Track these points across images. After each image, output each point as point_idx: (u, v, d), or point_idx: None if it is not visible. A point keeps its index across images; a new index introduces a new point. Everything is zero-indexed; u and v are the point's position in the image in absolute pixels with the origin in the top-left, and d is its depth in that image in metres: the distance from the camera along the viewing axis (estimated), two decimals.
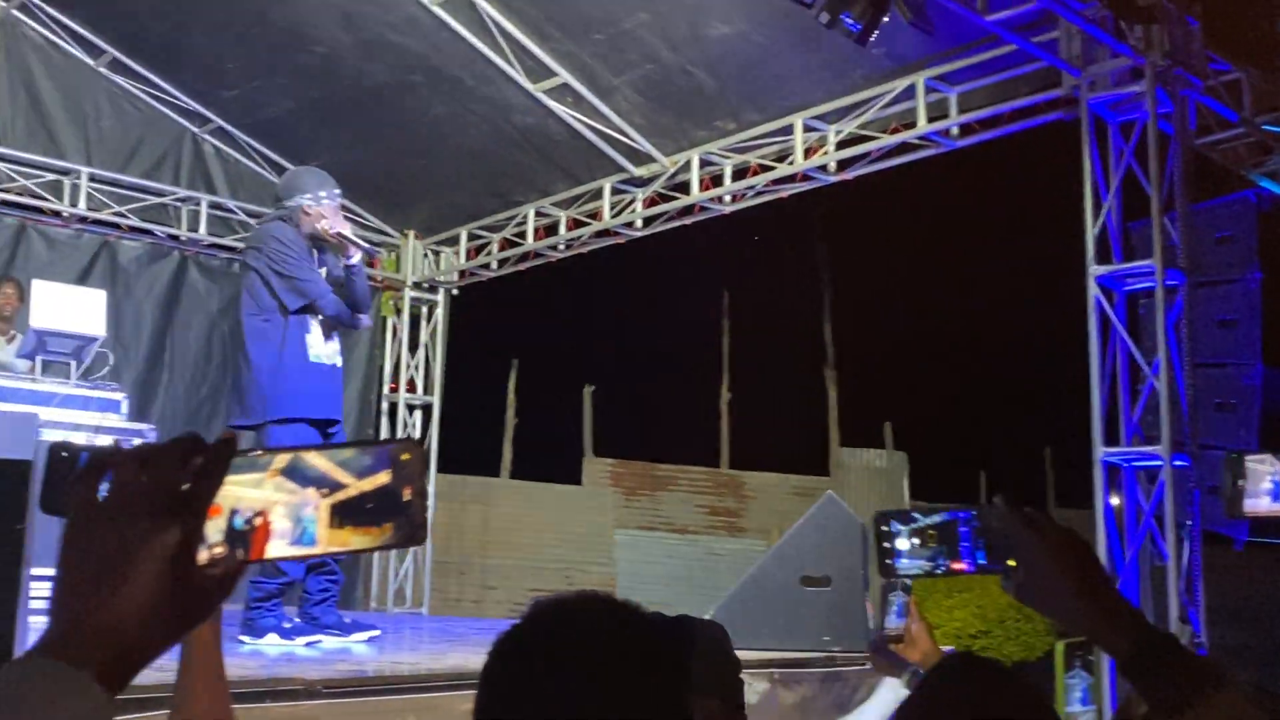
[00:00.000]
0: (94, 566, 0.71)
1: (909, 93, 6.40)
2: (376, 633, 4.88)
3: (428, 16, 6.70)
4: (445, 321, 9.57)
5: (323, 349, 4.77)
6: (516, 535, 11.06)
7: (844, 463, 12.51)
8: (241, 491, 0.76)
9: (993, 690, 1.40)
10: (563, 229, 8.31)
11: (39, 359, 6.03)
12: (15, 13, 7.40)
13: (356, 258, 4.88)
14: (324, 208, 4.84)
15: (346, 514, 0.77)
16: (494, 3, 6.59)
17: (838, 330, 14.05)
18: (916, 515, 1.22)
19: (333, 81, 7.45)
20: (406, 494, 0.78)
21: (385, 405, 9.25)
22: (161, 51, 7.73)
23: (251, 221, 7.75)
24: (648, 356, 15.04)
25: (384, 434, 9.15)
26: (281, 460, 0.77)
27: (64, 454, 1.03)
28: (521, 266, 8.86)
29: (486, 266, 9.04)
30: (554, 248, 8.47)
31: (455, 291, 9.58)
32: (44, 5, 7.49)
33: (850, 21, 4.94)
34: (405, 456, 0.78)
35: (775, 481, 12.45)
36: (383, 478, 0.78)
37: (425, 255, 9.35)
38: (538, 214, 8.42)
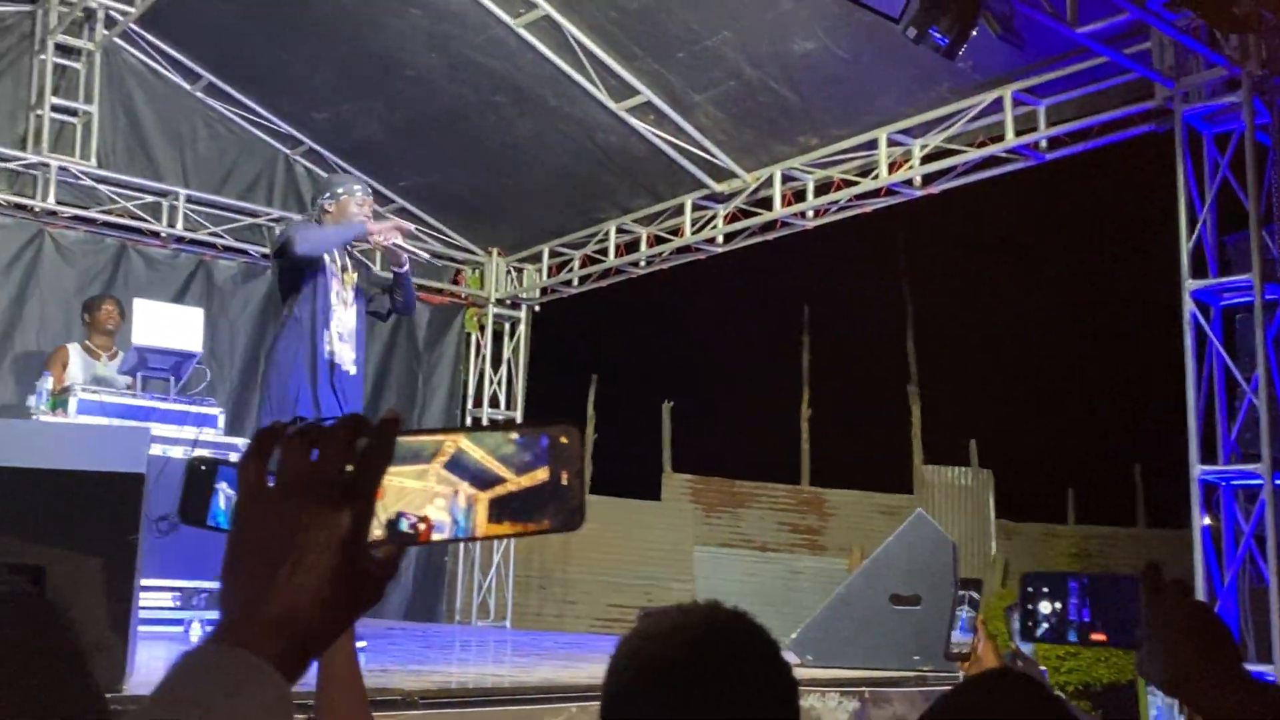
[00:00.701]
0: (265, 552, 0.70)
1: (996, 105, 6.34)
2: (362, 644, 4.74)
3: (513, 38, 6.80)
4: (527, 338, 9.67)
5: (340, 350, 4.72)
6: (596, 551, 11.09)
7: (927, 480, 12.36)
8: (404, 483, 0.76)
9: (1022, 703, 1.39)
10: (643, 245, 8.35)
11: (140, 375, 6.22)
12: (117, 40, 7.66)
13: (406, 265, 4.94)
14: (341, 203, 4.84)
15: (506, 505, 0.77)
16: (578, 24, 6.67)
17: (920, 345, 13.90)
18: (1050, 577, 1.21)
19: (420, 103, 7.60)
20: (564, 478, 0.77)
21: (469, 420, 9.36)
22: (256, 76, 7.95)
23: None
24: (727, 372, 15.02)
25: None
26: (445, 451, 0.77)
27: (202, 467, 1.07)
28: (602, 283, 8.92)
29: (568, 283, 9.12)
30: (635, 264, 8.52)
31: (537, 308, 9.68)
32: (144, 32, 7.74)
33: (938, 36, 4.90)
34: (564, 440, 0.77)
35: (857, 499, 12.33)
36: (542, 466, 0.77)
37: (508, 272, 9.46)
38: (619, 231, 8.47)
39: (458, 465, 0.77)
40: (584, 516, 0.77)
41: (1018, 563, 11.82)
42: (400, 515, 0.76)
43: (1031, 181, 7.14)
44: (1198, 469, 5.23)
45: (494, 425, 0.80)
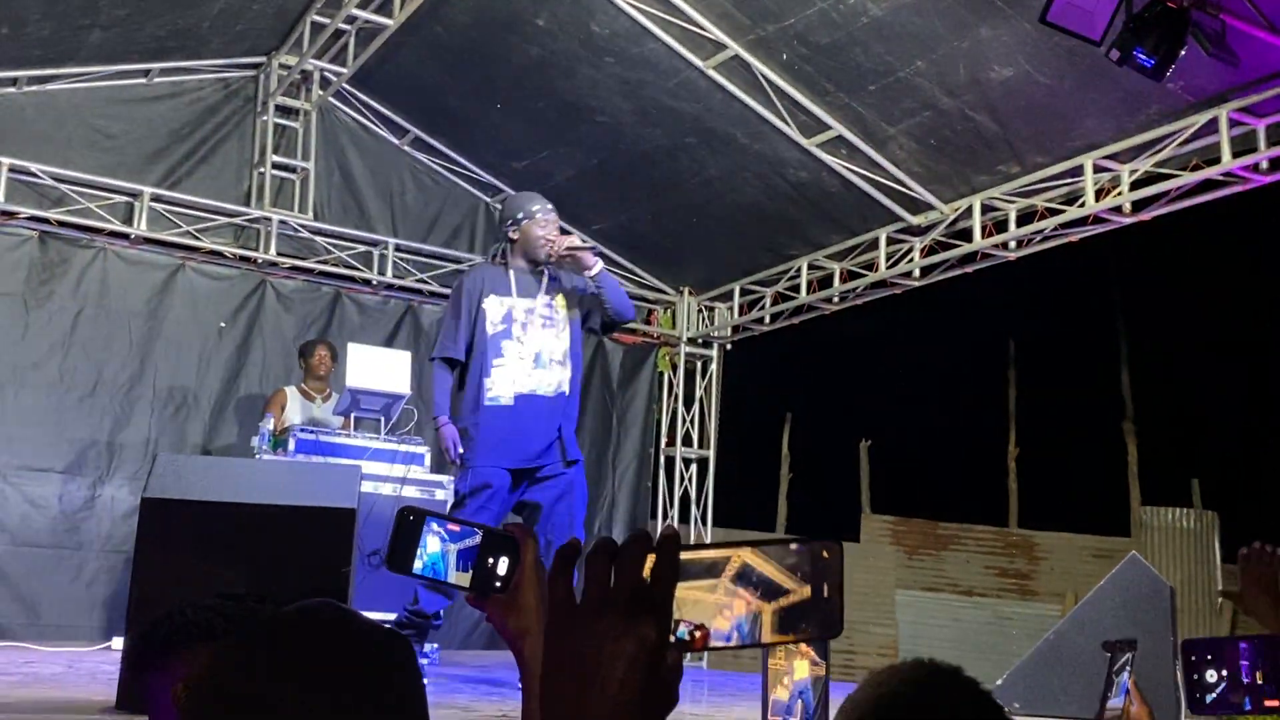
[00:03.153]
0: (580, 664, 0.75)
1: (1211, 127, 6.00)
2: None
3: (704, 80, 6.87)
4: (719, 376, 9.68)
5: (505, 389, 4.69)
6: None
7: (1146, 523, 11.68)
8: (698, 595, 0.82)
9: None
10: (836, 281, 8.25)
11: (353, 415, 6.54)
12: (331, 100, 8.14)
13: (597, 268, 4.81)
14: (524, 229, 4.82)
15: (785, 615, 0.82)
16: (767, 62, 6.68)
17: (1136, 379, 13.20)
18: (1215, 643, 1.14)
19: (612, 148, 7.77)
20: (826, 590, 0.82)
21: (662, 459, 9.42)
22: (458, 129, 8.30)
23: None
24: (927, 410, 14.64)
25: (662, 486, 9.32)
26: (734, 566, 0.83)
27: (411, 517, 1.12)
28: (795, 320, 8.86)
29: (760, 321, 9.09)
30: (828, 300, 8.43)
31: (729, 346, 9.69)
32: (355, 91, 8.20)
33: (1143, 57, 4.70)
34: (826, 554, 0.83)
35: (1069, 542, 11.77)
36: (810, 578, 0.83)
37: (700, 311, 9.52)
38: (811, 267, 8.40)
39: (745, 578, 0.83)
40: (843, 626, 0.82)
41: None
42: (679, 623, 0.81)
43: (1253, 204, 6.72)
44: None
45: (768, 541, 0.84)
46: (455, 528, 1.13)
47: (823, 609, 0.82)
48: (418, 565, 1.11)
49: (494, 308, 4.80)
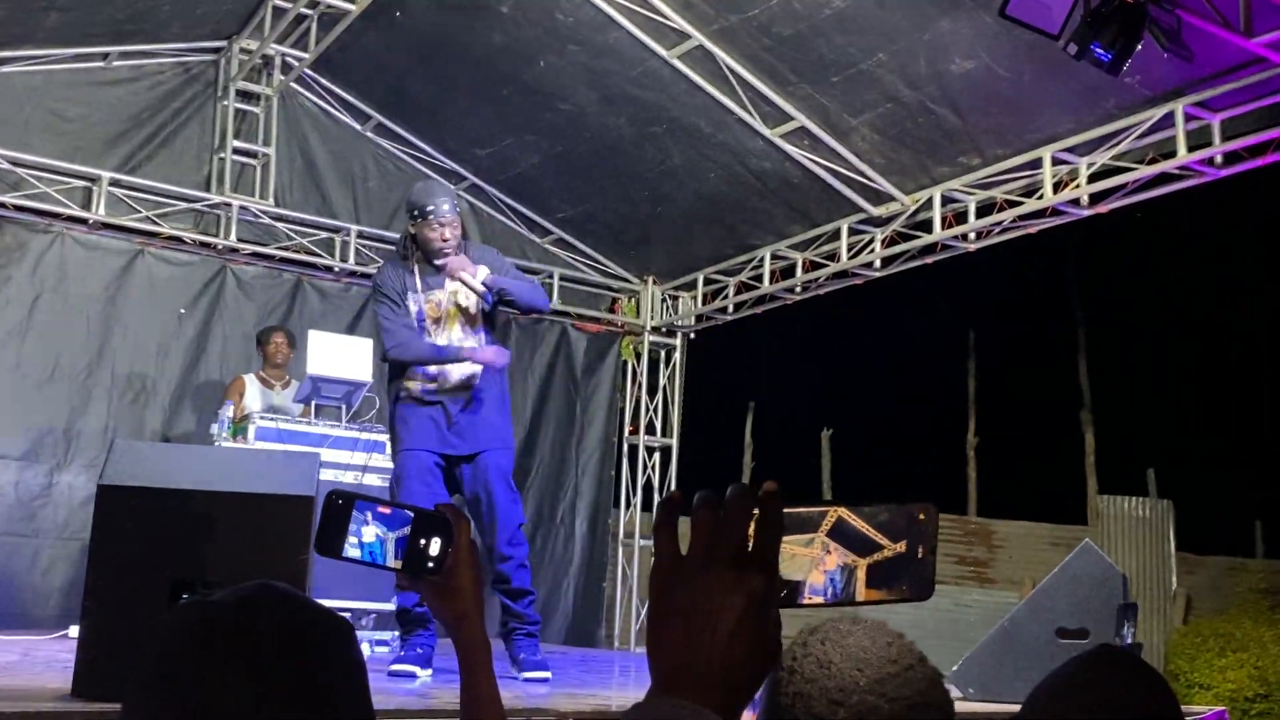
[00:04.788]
0: (689, 616, 0.76)
1: (1167, 121, 6.08)
2: (547, 675, 4.52)
3: (667, 70, 6.88)
4: (683, 365, 9.71)
5: (416, 384, 4.64)
6: None
7: (1102, 511, 11.83)
8: (795, 549, 0.84)
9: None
10: (799, 271, 8.30)
11: (314, 403, 6.50)
12: (293, 85, 8.07)
13: (481, 289, 4.62)
14: (418, 225, 4.58)
15: (879, 571, 0.84)
16: (731, 52, 6.70)
17: (1093, 369, 13.36)
18: None
19: (577, 136, 7.76)
20: (920, 552, 0.85)
21: (625, 447, 9.44)
22: (422, 115, 8.26)
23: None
24: (888, 399, 14.77)
25: (625, 475, 9.35)
26: (829, 521, 0.85)
27: (339, 501, 1.12)
28: (758, 310, 8.90)
29: (723, 310, 9.13)
30: (791, 290, 8.47)
31: (692, 335, 9.72)
32: (317, 76, 8.14)
33: (1100, 51, 4.75)
34: (922, 517, 0.85)
35: (1027, 531, 11.90)
36: (904, 538, 0.85)
37: (664, 300, 9.53)
38: (774, 257, 8.44)
39: (840, 533, 0.85)
40: (934, 588, 0.85)
41: (1200, 598, 11.21)
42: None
43: (1211, 197, 6.83)
44: None
45: (865, 502, 0.86)
46: (386, 511, 1.12)
47: (917, 570, 0.83)
48: (352, 552, 1.11)
49: (409, 306, 4.70)
